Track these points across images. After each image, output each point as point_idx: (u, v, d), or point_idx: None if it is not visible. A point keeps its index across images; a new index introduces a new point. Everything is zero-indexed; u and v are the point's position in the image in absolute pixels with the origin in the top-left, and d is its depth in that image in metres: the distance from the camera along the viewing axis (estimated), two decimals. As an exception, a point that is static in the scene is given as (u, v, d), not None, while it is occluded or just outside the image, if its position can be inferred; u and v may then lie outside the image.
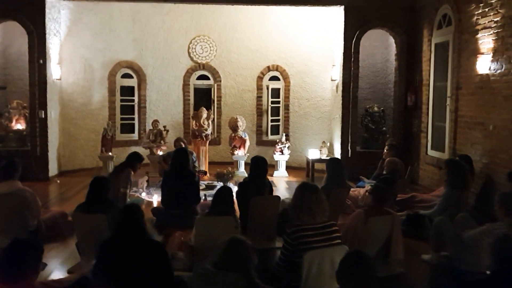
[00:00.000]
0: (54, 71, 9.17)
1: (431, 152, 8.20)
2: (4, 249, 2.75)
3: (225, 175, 7.92)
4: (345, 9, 8.98)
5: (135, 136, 10.74)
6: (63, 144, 9.68)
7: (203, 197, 6.81)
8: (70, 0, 9.17)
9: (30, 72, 8.72)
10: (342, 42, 9.08)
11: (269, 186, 5.47)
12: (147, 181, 8.23)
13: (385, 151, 7.75)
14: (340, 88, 9.23)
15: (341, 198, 5.78)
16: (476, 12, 6.65)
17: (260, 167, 5.43)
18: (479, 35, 6.58)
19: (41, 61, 8.71)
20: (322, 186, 5.85)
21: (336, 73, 9.48)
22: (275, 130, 10.79)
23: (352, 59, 9.02)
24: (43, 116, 8.76)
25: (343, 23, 9.05)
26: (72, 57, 9.74)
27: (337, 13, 9.40)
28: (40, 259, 2.87)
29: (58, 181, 8.91)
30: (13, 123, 8.96)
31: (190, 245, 4.54)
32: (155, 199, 7.55)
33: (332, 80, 9.74)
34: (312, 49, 10.21)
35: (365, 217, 4.47)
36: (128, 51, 10.43)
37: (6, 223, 5.28)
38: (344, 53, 9.04)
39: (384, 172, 7.29)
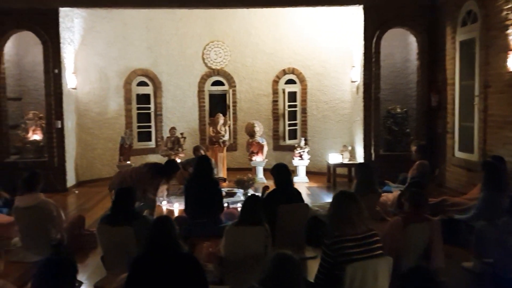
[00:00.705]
0: (70, 80, 9.07)
1: (458, 154, 7.93)
2: (39, 269, 2.57)
3: (245, 182, 7.73)
4: (364, 9, 8.77)
5: (152, 144, 10.61)
6: (80, 154, 9.56)
7: (226, 205, 6.64)
8: (83, 8, 9.06)
9: (45, 82, 8.63)
10: (362, 42, 8.87)
11: (298, 193, 5.26)
12: (167, 189, 8.06)
13: (414, 152, 7.45)
14: (361, 89, 9.01)
15: (372, 205, 5.57)
16: (505, 7, 6.40)
17: (284, 174, 5.23)
18: (509, 31, 6.33)
19: (56, 71, 8.62)
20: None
21: (356, 74, 9.26)
22: (293, 135, 10.59)
23: (373, 60, 8.80)
24: (59, 126, 8.66)
25: (362, 23, 8.85)
26: (87, 66, 9.65)
27: (355, 12, 9.20)
28: (75, 278, 2.70)
29: (77, 192, 8.79)
30: (30, 134, 8.86)
31: (219, 256, 4.35)
32: (176, 207, 7.38)
33: (352, 81, 9.51)
34: (329, 51, 10.01)
35: (403, 224, 4.25)
36: (142, 59, 10.31)
37: (29, 236, 5.16)
38: (364, 53, 8.82)
39: (409, 175, 7.05)
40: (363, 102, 8.92)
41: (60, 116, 8.64)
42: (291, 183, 5.31)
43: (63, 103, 8.70)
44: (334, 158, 9.10)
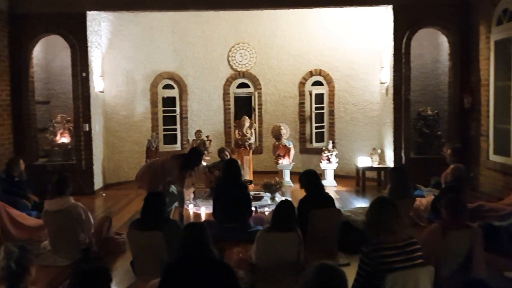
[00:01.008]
0: (97, 84, 9.12)
1: (493, 157, 7.64)
2: (74, 279, 2.51)
3: (272, 186, 7.61)
4: (393, 9, 8.56)
5: (177, 146, 10.59)
6: (107, 157, 9.61)
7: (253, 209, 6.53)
8: (111, 12, 9.11)
9: (73, 85, 8.69)
10: (391, 43, 8.66)
11: (330, 198, 5.11)
12: (194, 192, 8.01)
13: (448, 155, 7.20)
14: (391, 91, 8.79)
15: (406, 210, 5.37)
16: (545, 4, 6.14)
17: (313, 179, 5.09)
18: (549, 29, 6.06)
19: (84, 74, 8.67)
20: (385, 198, 5.48)
21: (386, 75, 9.04)
22: (319, 137, 10.42)
23: (403, 61, 8.57)
24: (87, 129, 8.70)
25: (391, 23, 8.63)
26: (114, 69, 9.69)
27: (384, 12, 9.00)
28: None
29: (104, 195, 8.81)
30: (58, 137, 8.94)
31: (250, 262, 4.25)
32: (203, 211, 7.32)
33: (381, 83, 9.30)
34: (357, 52, 9.81)
35: (443, 231, 4.06)
36: (168, 62, 10.31)
37: (58, 240, 5.15)
38: (394, 54, 8.60)
39: (443, 179, 6.82)
40: (393, 104, 8.70)
41: (87, 119, 8.68)
42: (322, 188, 5.17)
43: (90, 106, 8.73)
44: (363, 161, 8.90)
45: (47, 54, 9.75)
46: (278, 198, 7.79)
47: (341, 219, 5.22)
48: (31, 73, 8.78)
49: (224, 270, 3.08)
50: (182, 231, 4.41)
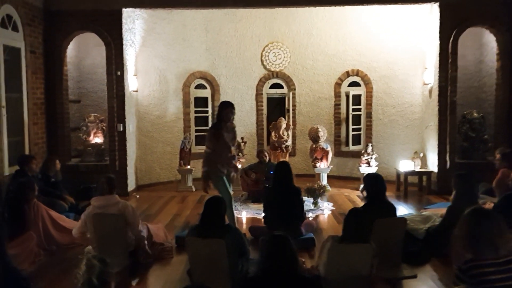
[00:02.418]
0: (131, 83, 8.91)
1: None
2: None
3: (316, 190, 7.32)
4: (440, 6, 8.22)
5: (209, 148, 10.32)
6: (139, 158, 9.39)
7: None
8: (146, 8, 8.89)
9: (108, 84, 8.48)
10: (436, 42, 8.32)
11: (392, 207, 4.80)
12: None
13: (497, 161, 6.86)
14: (435, 93, 8.45)
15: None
16: None
17: (381, 185, 4.78)
18: None
19: (119, 73, 8.45)
20: (450, 206, 5.18)
21: (430, 76, 8.70)
22: (356, 140, 10.09)
23: (450, 61, 8.23)
24: (121, 129, 8.48)
25: (436, 22, 8.30)
26: (147, 68, 9.48)
27: (428, 10, 8.67)
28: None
29: (138, 196, 8.60)
30: (91, 137, 8.74)
31: (317, 275, 3.95)
32: (244, 215, 7.04)
33: (424, 84, 8.95)
34: (397, 51, 9.47)
35: None
36: (201, 61, 10.08)
37: (106, 244, 4.91)
38: (440, 54, 8.27)
39: (495, 185, 6.46)
40: (438, 106, 8.36)
41: (122, 119, 8.47)
42: (384, 195, 4.84)
43: (125, 105, 8.51)
44: (406, 165, 8.55)
45: (79, 52, 9.58)
46: (321, 203, 7.51)
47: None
48: (65, 71, 8.62)
49: (312, 286, 2.80)
50: (244, 238, 4.20)
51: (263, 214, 6.89)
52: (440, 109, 8.34)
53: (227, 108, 5.63)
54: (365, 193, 4.87)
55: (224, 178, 5.64)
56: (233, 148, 5.81)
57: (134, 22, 9.07)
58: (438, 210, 6.30)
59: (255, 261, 4.54)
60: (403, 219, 4.70)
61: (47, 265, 5.04)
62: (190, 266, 4.15)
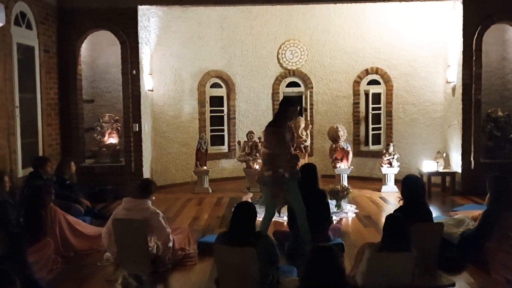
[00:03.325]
0: (147, 82, 8.71)
1: None
2: None
3: (339, 192, 7.08)
4: (463, 2, 7.96)
5: (224, 148, 10.13)
6: (155, 159, 9.21)
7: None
8: (162, 6, 8.69)
9: (123, 84, 8.30)
10: (460, 39, 8.06)
11: (428, 211, 4.55)
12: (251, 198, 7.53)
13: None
14: (459, 91, 8.19)
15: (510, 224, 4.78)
16: None
17: (418, 189, 4.53)
18: None
19: (134, 72, 8.27)
20: (486, 210, 4.92)
21: (453, 74, 8.42)
22: (375, 140, 9.82)
23: (474, 58, 7.96)
24: (137, 130, 8.30)
25: (460, 18, 8.04)
26: (162, 67, 9.28)
27: (451, 6, 8.39)
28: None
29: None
30: (106, 138, 8.56)
31: (354, 285, 3.73)
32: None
33: (447, 82, 8.67)
34: (418, 49, 9.20)
35: None
36: (216, 60, 9.86)
37: (127, 251, 4.72)
38: (463, 51, 8.01)
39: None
40: (462, 104, 8.10)
41: (138, 119, 8.29)
42: (424, 199, 4.59)
43: (141, 105, 8.32)
44: (429, 166, 8.28)
45: (92, 51, 9.41)
46: (344, 205, 7.28)
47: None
48: (79, 70, 8.46)
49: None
50: (275, 246, 3.98)
51: (285, 217, 6.76)
52: (464, 108, 8.08)
53: (293, 106, 5.16)
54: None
55: (293, 183, 5.06)
56: (292, 149, 5.21)
57: (149, 20, 8.87)
58: (468, 212, 6.05)
59: (284, 269, 4.35)
60: (440, 224, 4.46)
61: (65, 273, 4.85)
62: (218, 275, 3.93)
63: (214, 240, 3.96)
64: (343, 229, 6.06)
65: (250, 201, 7.34)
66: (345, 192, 7.08)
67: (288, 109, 5.12)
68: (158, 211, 4.81)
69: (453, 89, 8.48)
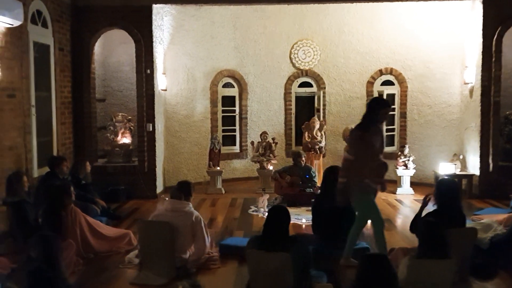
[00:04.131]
0: (160, 81, 8.61)
1: None
2: None
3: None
4: (483, 2, 7.86)
5: (236, 148, 10.04)
6: (167, 159, 9.11)
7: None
8: (176, 4, 8.60)
9: (137, 83, 8.20)
10: (479, 40, 7.96)
11: (462, 215, 4.46)
12: (268, 199, 7.45)
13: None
14: (477, 92, 8.10)
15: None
16: None
17: (453, 192, 4.42)
18: None
19: (148, 71, 8.16)
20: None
21: (471, 75, 8.33)
22: (389, 141, 9.72)
23: (493, 59, 7.87)
24: (150, 130, 8.20)
25: (479, 19, 7.95)
26: (175, 66, 9.19)
27: (470, 7, 8.30)
28: None
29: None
30: (119, 137, 8.45)
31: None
32: (283, 221, 6.70)
33: (465, 83, 8.58)
34: (434, 49, 9.11)
35: None
36: (229, 59, 9.76)
37: (151, 252, 4.62)
38: (483, 52, 7.91)
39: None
40: (480, 106, 8.00)
41: (151, 118, 8.18)
42: (459, 203, 4.46)
43: (154, 105, 8.22)
44: (446, 168, 8.20)
45: (104, 49, 9.31)
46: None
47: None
48: (92, 68, 8.35)
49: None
50: (310, 251, 3.88)
51: (303, 219, 6.69)
52: (483, 110, 7.99)
53: (385, 108, 4.71)
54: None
55: (372, 196, 4.62)
56: (381, 156, 4.70)
57: (162, 19, 8.77)
58: (491, 217, 5.96)
59: (313, 274, 4.25)
60: (473, 230, 4.38)
61: (87, 275, 4.75)
62: (250, 280, 3.83)
63: (246, 244, 3.86)
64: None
65: (266, 203, 7.34)
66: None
67: (379, 111, 4.66)
68: (200, 216, 4.72)
69: (471, 91, 8.39)
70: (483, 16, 7.88)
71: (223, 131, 9.88)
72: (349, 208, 5.21)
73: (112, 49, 9.41)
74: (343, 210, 5.14)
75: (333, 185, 5.21)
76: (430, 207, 4.47)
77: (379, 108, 4.71)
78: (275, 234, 3.68)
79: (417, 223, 4.31)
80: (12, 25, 5.79)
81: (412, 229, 4.46)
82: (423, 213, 4.43)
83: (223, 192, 8.67)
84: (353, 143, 4.73)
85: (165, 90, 8.85)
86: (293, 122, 10.18)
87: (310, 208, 7.07)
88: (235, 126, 10.03)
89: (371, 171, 4.58)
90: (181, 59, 9.24)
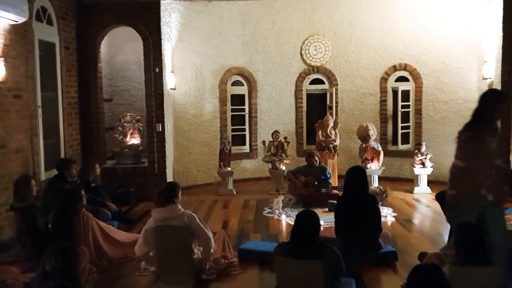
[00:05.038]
0: (169, 80, 8.37)
1: None
2: None
3: (378, 195, 6.74)
4: (503, -6, 7.60)
5: (246, 148, 9.78)
6: (176, 159, 8.87)
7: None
8: (183, 0, 8.34)
9: (146, 82, 7.96)
10: (499, 34, 7.69)
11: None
12: (283, 200, 7.21)
13: None
14: (497, 88, 7.82)
15: None
16: None
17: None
18: None
19: (157, 70, 7.92)
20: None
21: (489, 70, 8.07)
22: (404, 139, 9.46)
23: (514, 53, 7.61)
24: (160, 130, 7.96)
25: (499, 11, 7.67)
26: (183, 64, 8.94)
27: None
28: None
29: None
30: (128, 138, 8.22)
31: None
32: (300, 223, 6.45)
33: (483, 78, 8.31)
34: (450, 44, 8.83)
35: None
36: (238, 56, 9.50)
37: (168, 260, 4.38)
38: (503, 46, 7.63)
39: None
40: (500, 102, 7.72)
41: (161, 118, 7.94)
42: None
43: (164, 104, 7.98)
44: (465, 166, 7.92)
45: (110, 48, 9.09)
46: (381, 208, 6.92)
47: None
48: (99, 67, 8.13)
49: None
50: (341, 258, 3.64)
51: (321, 222, 6.42)
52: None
53: (501, 102, 3.99)
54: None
55: (498, 211, 3.80)
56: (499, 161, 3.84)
57: (170, 15, 8.53)
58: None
59: (342, 281, 4.01)
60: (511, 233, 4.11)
61: (102, 284, 4.52)
62: (277, 287, 3.59)
63: (273, 251, 3.62)
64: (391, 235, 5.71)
65: (281, 204, 7.10)
66: (384, 195, 6.75)
67: (495, 105, 3.87)
68: (193, 214, 4.47)
69: (490, 86, 8.13)
70: (503, 8, 7.60)
71: (232, 130, 9.62)
72: (375, 211, 4.98)
73: (118, 48, 9.19)
74: (368, 212, 4.90)
75: (359, 187, 4.97)
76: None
77: (495, 102, 3.91)
78: (304, 241, 3.45)
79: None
80: (16, 22, 5.54)
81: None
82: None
83: (235, 193, 8.43)
84: (464, 146, 3.93)
85: (174, 89, 8.60)
86: (304, 121, 9.94)
87: (326, 209, 6.93)
88: (244, 125, 9.78)
89: (488, 179, 3.76)
90: (189, 57, 8.99)
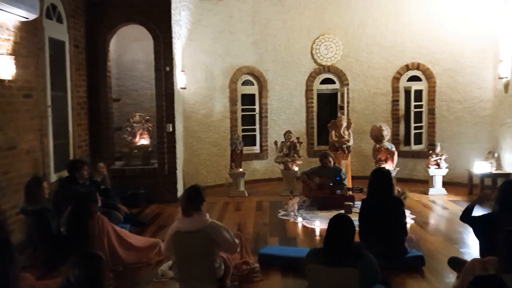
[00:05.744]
0: (179, 79, 8.20)
1: None
2: None
3: (395, 196, 6.55)
4: (521, -8, 7.45)
5: (256, 149, 9.62)
6: (186, 160, 8.70)
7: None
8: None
9: (156, 81, 7.78)
10: (516, 32, 7.55)
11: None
12: (298, 203, 7.04)
13: None
14: (513, 87, 7.69)
15: None
16: None
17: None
18: None
19: (168, 69, 7.75)
20: None
21: (505, 69, 7.91)
22: (417, 139, 9.30)
23: (532, 52, 7.47)
24: (170, 130, 7.79)
25: (516, 9, 7.53)
26: (193, 63, 8.77)
27: (505, -3, 7.90)
28: None
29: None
30: (137, 139, 8.04)
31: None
32: (317, 225, 6.31)
33: (499, 78, 8.15)
34: (463, 42, 8.68)
35: None
36: (248, 55, 9.34)
37: (189, 267, 4.19)
38: (520, 45, 7.50)
39: None
40: (517, 101, 7.60)
41: (171, 118, 7.77)
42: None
43: (174, 104, 7.81)
44: (481, 167, 7.79)
45: (118, 47, 8.92)
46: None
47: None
48: (108, 66, 7.94)
49: None
50: (377, 265, 3.47)
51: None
52: (520, 105, 7.58)
53: None
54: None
55: None
56: None
57: (180, 13, 8.36)
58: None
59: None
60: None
61: (120, 291, 4.35)
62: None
63: (305, 258, 3.45)
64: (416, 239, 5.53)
65: (297, 206, 6.93)
66: (403, 197, 6.58)
67: None
68: (212, 221, 4.16)
69: (506, 86, 7.98)
70: (521, 6, 7.47)
71: (243, 130, 9.45)
72: (401, 214, 4.81)
73: (126, 47, 9.02)
74: (394, 216, 4.73)
75: (384, 190, 4.80)
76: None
77: None
78: (339, 247, 3.28)
79: (468, 213, 4.32)
80: (27, 18, 5.36)
81: (462, 219, 4.38)
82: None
83: (246, 194, 8.26)
84: None
85: (184, 88, 8.43)
86: (315, 121, 9.78)
87: (343, 211, 6.76)
88: (254, 125, 9.61)
89: None
90: (199, 56, 8.83)
